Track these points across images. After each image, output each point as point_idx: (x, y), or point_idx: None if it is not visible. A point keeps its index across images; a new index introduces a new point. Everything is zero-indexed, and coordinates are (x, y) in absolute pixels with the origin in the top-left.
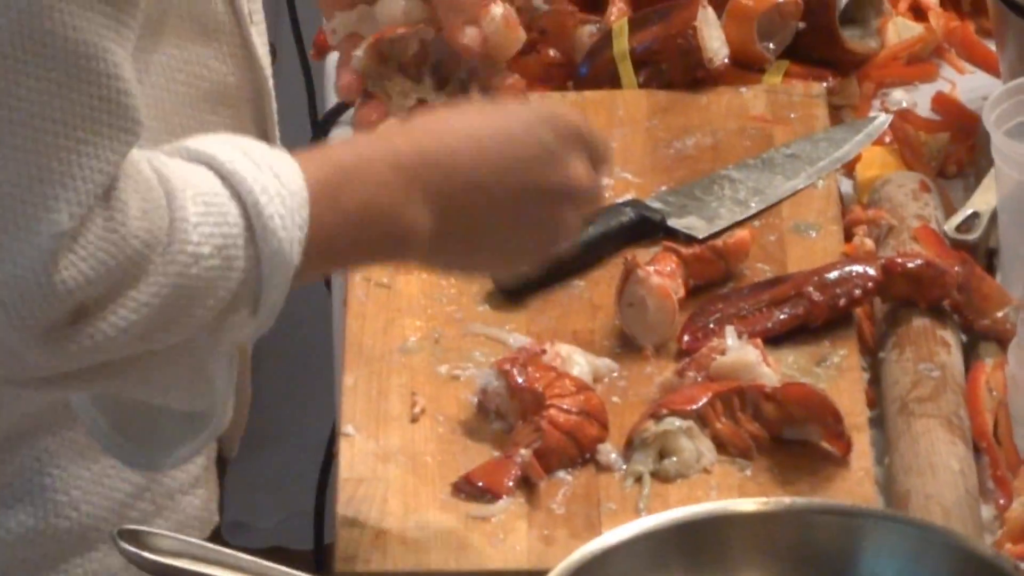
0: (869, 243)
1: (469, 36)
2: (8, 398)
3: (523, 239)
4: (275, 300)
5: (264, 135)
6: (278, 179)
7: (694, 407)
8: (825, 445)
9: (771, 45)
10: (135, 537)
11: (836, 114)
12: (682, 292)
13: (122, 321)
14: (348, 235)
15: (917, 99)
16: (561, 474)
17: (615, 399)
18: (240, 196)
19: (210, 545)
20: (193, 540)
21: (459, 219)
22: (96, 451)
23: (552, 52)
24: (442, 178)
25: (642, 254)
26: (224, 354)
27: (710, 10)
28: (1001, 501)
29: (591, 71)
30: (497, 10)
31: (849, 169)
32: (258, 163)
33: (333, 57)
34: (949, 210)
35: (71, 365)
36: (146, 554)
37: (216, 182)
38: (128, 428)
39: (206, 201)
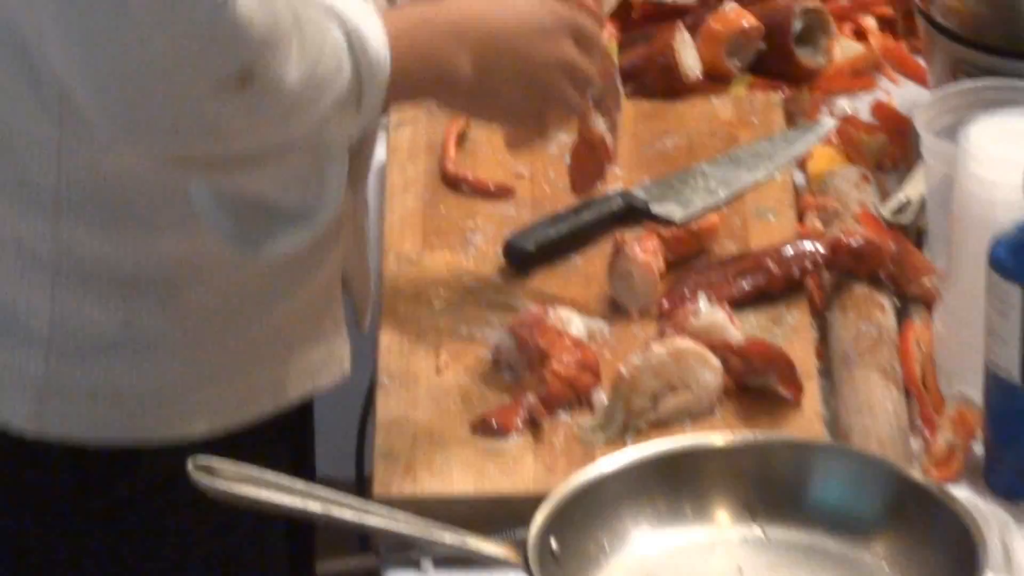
0: (819, 225)
1: None
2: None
3: (533, 97)
4: (374, 101)
5: None
6: (364, 19)
7: None
8: (781, 391)
9: (737, 62)
10: (206, 467)
11: (791, 119)
12: (662, 266)
13: (273, 93)
14: (416, 70)
15: (859, 106)
16: (562, 415)
17: (606, 354)
18: (344, 21)
19: (268, 473)
20: (253, 468)
21: (490, 72)
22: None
23: None
24: (480, 41)
25: (629, 234)
26: (336, 156)
27: (686, 33)
28: (927, 436)
29: None
30: None
31: (802, 164)
32: (347, 4)
33: None
34: (885, 197)
35: (232, 126)
36: (214, 482)
37: (320, 10)
38: (244, 223)
39: (314, 20)
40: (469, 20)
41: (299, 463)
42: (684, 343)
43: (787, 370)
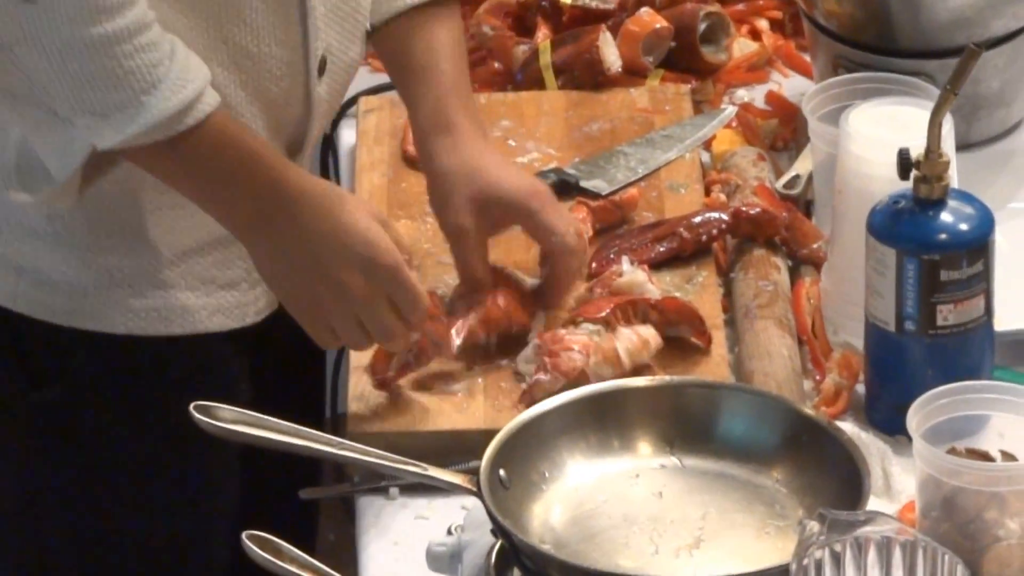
0: (722, 197)
1: None
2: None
3: (300, 297)
4: (133, 138)
5: None
6: (199, 90)
7: (601, 315)
8: (694, 340)
9: (651, 58)
10: (205, 410)
11: (698, 107)
12: (591, 232)
13: (49, 26)
14: (202, 169)
15: (755, 95)
16: (505, 362)
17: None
18: (170, 69)
19: (258, 415)
20: (247, 412)
21: (266, 237)
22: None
23: (496, 64)
24: (282, 209)
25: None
26: (82, 147)
27: (608, 34)
28: (817, 378)
29: (524, 78)
30: None
31: (707, 145)
32: (196, 69)
33: None
34: (778, 173)
35: (11, 31)
36: (213, 422)
37: (166, 48)
38: (24, 169)
39: (153, 45)
40: (290, 194)
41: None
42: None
43: (698, 323)
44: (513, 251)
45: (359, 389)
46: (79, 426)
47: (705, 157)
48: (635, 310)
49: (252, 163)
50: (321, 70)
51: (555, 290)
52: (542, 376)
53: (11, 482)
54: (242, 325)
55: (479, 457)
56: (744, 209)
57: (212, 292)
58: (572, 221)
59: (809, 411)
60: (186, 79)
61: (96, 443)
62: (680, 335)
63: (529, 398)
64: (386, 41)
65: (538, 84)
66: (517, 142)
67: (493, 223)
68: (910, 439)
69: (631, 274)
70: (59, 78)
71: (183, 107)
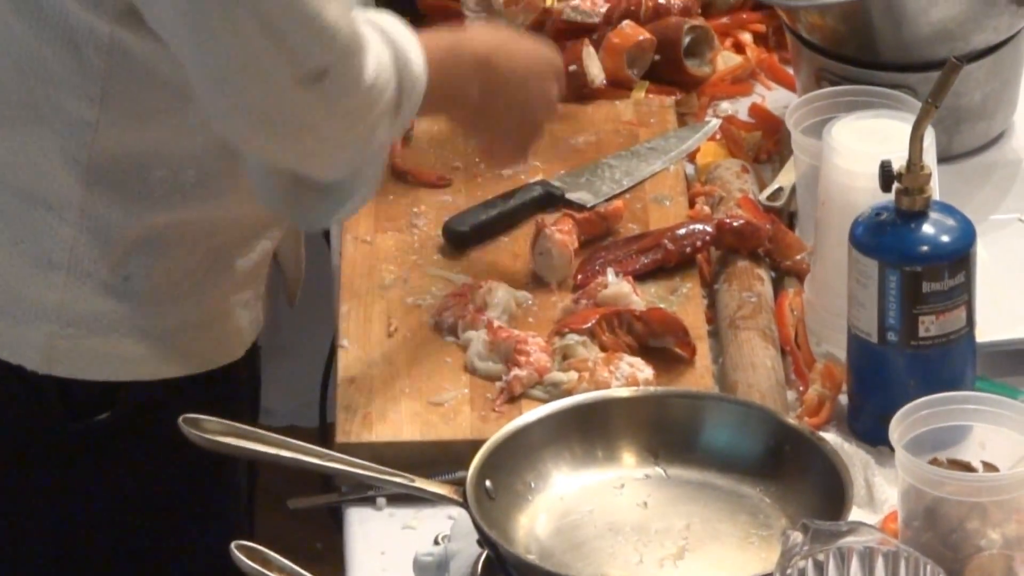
0: (706, 209)
1: None
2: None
3: (522, 126)
4: (410, 111)
5: None
6: (407, 34)
7: (586, 326)
8: (677, 351)
9: (635, 71)
10: (194, 423)
11: (682, 119)
12: (576, 244)
13: (347, 92)
14: (435, 89)
15: (738, 108)
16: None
17: (530, 319)
18: (393, 41)
19: (247, 427)
20: (235, 424)
21: (493, 100)
22: None
23: None
24: (491, 74)
25: (548, 218)
26: (375, 151)
27: (591, 47)
28: (800, 388)
29: None
30: None
31: (692, 157)
32: (393, 22)
33: None
34: (762, 185)
35: (310, 118)
36: (201, 434)
37: (373, 24)
38: (290, 198)
39: (374, 32)
40: (486, 55)
41: (250, 405)
42: None
43: (682, 333)
44: (500, 261)
45: (347, 399)
46: (118, 455)
47: (689, 169)
48: (620, 321)
49: (455, 54)
50: None
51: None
52: (519, 371)
53: (49, 510)
54: (254, 339)
55: (466, 467)
56: (728, 221)
57: (247, 312)
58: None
59: (792, 421)
60: (399, 36)
61: (135, 472)
62: (664, 346)
63: (508, 394)
64: None
65: None
66: None
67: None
68: (892, 449)
69: (616, 285)
70: (361, 117)
71: (420, 59)
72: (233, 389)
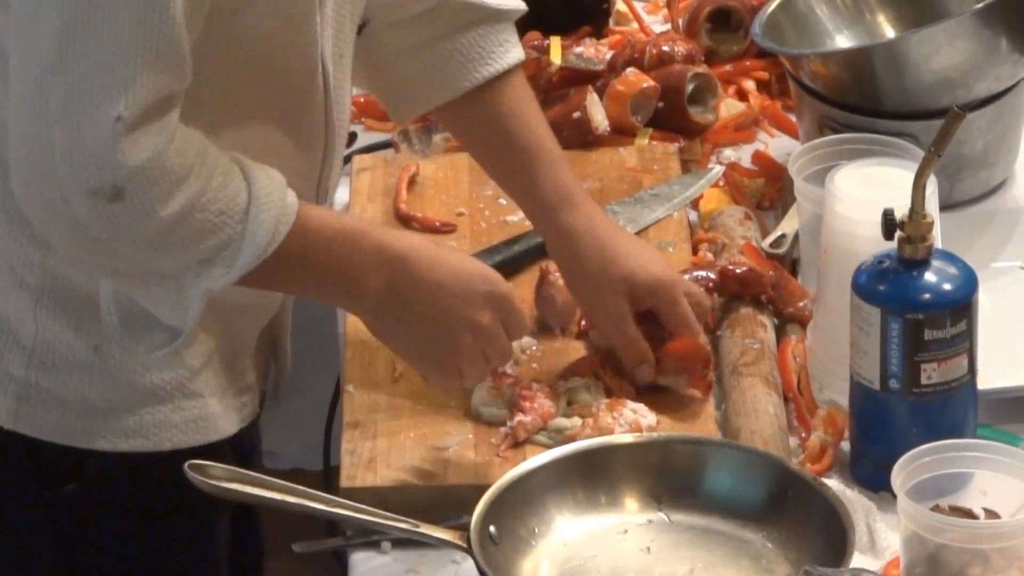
0: (709, 256)
1: None
2: None
3: (434, 347)
4: (245, 265)
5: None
6: (283, 198)
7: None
8: (689, 391)
9: (639, 118)
10: (198, 468)
11: (686, 166)
12: None
13: (139, 218)
14: (318, 267)
15: (741, 155)
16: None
17: (534, 365)
18: (251, 190)
19: (252, 473)
20: (239, 470)
21: (396, 305)
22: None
23: None
24: (401, 274)
25: (552, 264)
26: (199, 294)
27: (595, 94)
28: (803, 435)
29: None
30: None
31: (695, 204)
32: (272, 179)
33: None
34: (765, 232)
35: (98, 233)
36: (206, 480)
37: (238, 174)
38: (130, 325)
39: (227, 178)
40: (398, 254)
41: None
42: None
43: (701, 367)
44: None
45: (352, 443)
46: (92, 522)
47: (693, 216)
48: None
49: (355, 239)
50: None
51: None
52: (523, 417)
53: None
54: (240, 427)
55: (470, 512)
56: (731, 268)
57: (226, 398)
58: (700, 315)
59: (795, 467)
60: (268, 190)
61: (108, 538)
62: (672, 386)
63: (513, 439)
64: (469, 110)
65: None
66: (508, 200)
67: (635, 305)
68: (895, 496)
69: None
70: (160, 252)
71: (278, 218)
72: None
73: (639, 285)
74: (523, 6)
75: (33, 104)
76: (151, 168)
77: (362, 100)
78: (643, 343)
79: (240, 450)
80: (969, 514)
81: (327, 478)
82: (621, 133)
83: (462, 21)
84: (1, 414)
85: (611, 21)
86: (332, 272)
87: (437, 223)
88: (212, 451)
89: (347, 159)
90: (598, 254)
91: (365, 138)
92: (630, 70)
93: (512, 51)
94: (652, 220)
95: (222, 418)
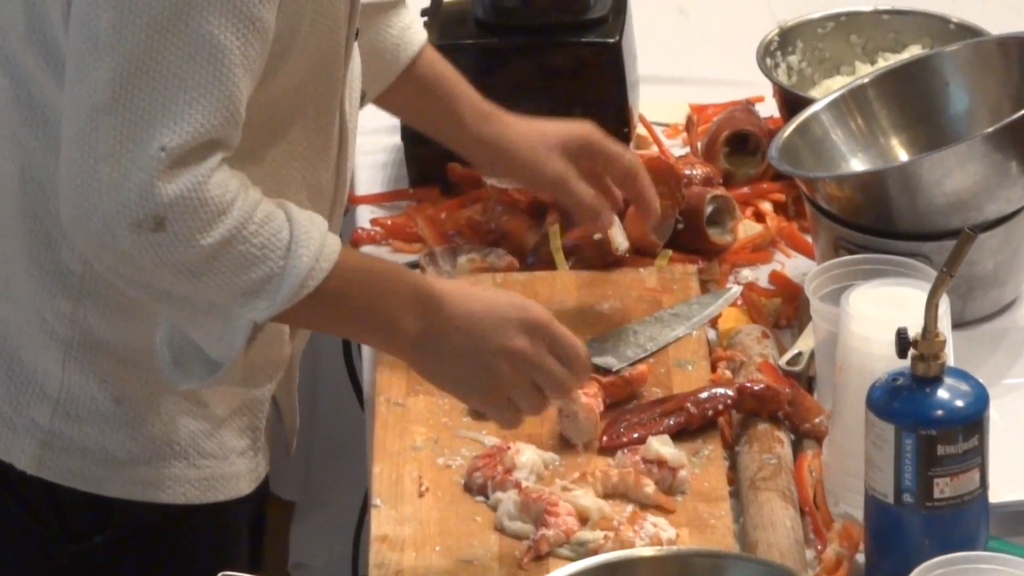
0: (728, 373)
1: None
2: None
3: (476, 380)
4: (287, 300)
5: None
6: (323, 238)
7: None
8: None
9: (658, 236)
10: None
11: (704, 286)
12: (602, 407)
13: (181, 247)
14: (356, 305)
15: (759, 275)
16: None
17: (557, 480)
18: (293, 229)
19: None
20: None
21: (433, 343)
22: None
23: (509, 248)
24: (436, 312)
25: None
26: (244, 326)
27: (616, 217)
28: (819, 547)
29: (536, 260)
30: None
31: (713, 323)
32: (314, 221)
33: None
34: (782, 350)
35: (144, 262)
36: None
37: (281, 214)
38: (178, 358)
39: (270, 216)
40: (432, 293)
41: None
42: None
43: (675, 181)
44: (527, 424)
45: (380, 556)
46: (116, 574)
47: (711, 334)
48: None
49: (390, 280)
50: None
51: (647, 203)
52: (546, 531)
53: None
54: (253, 487)
55: None
56: (749, 385)
57: (240, 458)
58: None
59: None
60: (310, 228)
61: None
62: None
63: (535, 552)
64: (401, 90)
65: (549, 265)
66: None
67: (575, 162)
68: None
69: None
70: (202, 280)
71: (318, 255)
72: (232, 526)
73: (569, 140)
74: None
75: (83, 142)
76: (191, 198)
77: (389, 222)
78: (591, 193)
79: (253, 514)
80: None
81: None
82: (641, 254)
83: (372, 18)
84: (25, 460)
85: (631, 145)
86: (369, 311)
87: None
88: (225, 511)
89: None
90: (526, 131)
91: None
92: None
93: (419, 30)
94: (672, 338)
95: (236, 478)
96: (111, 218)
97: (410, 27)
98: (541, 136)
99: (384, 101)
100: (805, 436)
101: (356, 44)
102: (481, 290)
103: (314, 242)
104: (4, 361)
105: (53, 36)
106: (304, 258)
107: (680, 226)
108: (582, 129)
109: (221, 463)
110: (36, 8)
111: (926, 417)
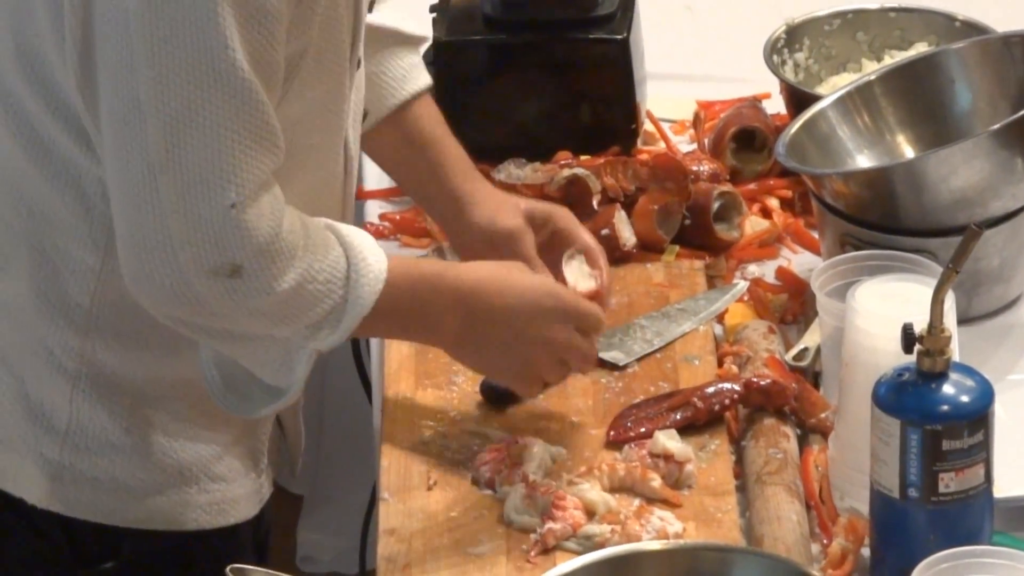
0: (734, 369)
1: None
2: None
3: (514, 368)
4: (349, 327)
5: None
6: (374, 258)
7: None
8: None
9: (664, 231)
10: (240, 572)
11: (711, 281)
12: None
13: (257, 293)
14: (404, 313)
15: (765, 271)
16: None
17: (565, 474)
18: (348, 257)
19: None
20: (279, 574)
21: (473, 337)
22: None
23: None
24: (475, 308)
25: None
26: (306, 356)
27: (622, 211)
28: (825, 541)
29: None
30: None
31: (720, 318)
32: (363, 240)
33: None
34: (788, 345)
35: (218, 308)
36: None
37: (334, 239)
38: (232, 385)
39: (327, 247)
40: (470, 289)
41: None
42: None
43: (682, 175)
44: (535, 418)
45: (388, 550)
46: None
47: (718, 330)
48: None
49: (433, 283)
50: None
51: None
52: (553, 525)
53: None
54: (259, 508)
55: None
56: (755, 380)
57: (247, 480)
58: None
59: (817, 574)
60: (363, 255)
61: None
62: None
63: (542, 546)
64: (399, 123)
65: None
66: None
67: (536, 231)
68: None
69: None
70: (276, 322)
71: (376, 280)
72: (239, 548)
73: (541, 209)
74: (428, 36)
75: (145, 202)
76: (270, 248)
77: (398, 217)
78: (536, 258)
79: (257, 534)
80: None
81: None
82: (648, 249)
83: (378, 44)
84: (36, 494)
85: (639, 141)
86: (415, 316)
87: None
88: (233, 533)
89: None
90: (500, 192)
91: (401, 255)
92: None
93: (422, 75)
94: (679, 334)
95: (243, 500)
96: (187, 268)
97: (415, 67)
98: (512, 199)
99: (371, 145)
100: (811, 431)
101: (360, 72)
102: (516, 276)
103: (370, 269)
104: (11, 396)
105: (51, 76)
106: (365, 287)
107: (687, 222)
108: (554, 207)
109: (230, 485)
110: (29, 50)
111: (931, 412)
